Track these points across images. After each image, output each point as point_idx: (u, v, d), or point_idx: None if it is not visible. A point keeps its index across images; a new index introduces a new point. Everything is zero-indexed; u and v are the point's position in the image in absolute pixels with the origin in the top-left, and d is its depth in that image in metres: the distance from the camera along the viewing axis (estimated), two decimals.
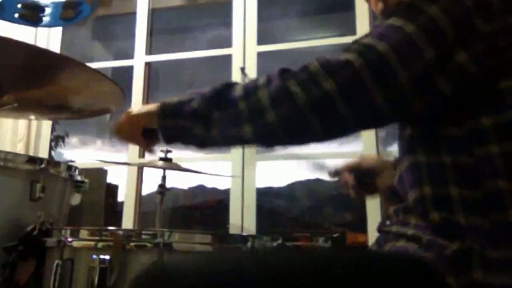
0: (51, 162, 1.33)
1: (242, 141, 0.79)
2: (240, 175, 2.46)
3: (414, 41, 0.67)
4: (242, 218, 2.43)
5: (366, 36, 0.71)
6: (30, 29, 2.76)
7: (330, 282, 0.64)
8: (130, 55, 2.98)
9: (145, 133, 0.92)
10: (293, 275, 0.64)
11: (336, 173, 1.21)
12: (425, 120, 0.73)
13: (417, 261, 0.69)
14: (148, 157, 2.74)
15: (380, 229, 0.86)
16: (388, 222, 0.84)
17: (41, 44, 2.81)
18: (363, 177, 1.17)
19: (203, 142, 0.81)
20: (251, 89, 0.74)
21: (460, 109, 0.70)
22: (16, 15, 1.58)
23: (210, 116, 0.77)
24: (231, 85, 0.78)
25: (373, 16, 2.50)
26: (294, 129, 0.72)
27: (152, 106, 0.88)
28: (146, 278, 0.68)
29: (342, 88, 0.66)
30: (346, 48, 0.70)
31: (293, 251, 0.72)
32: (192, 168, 1.68)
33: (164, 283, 0.64)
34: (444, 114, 0.71)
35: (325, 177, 1.26)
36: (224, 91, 0.78)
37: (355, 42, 0.71)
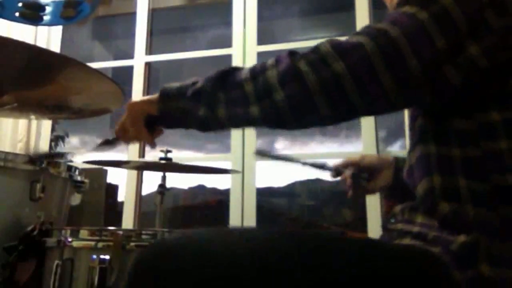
0: (51, 162, 1.33)
1: (248, 122, 0.76)
2: (240, 173, 2.46)
3: (426, 28, 0.67)
4: (242, 218, 2.43)
5: (380, 22, 0.70)
6: (30, 29, 2.77)
7: (335, 269, 0.64)
8: (130, 55, 2.98)
9: (148, 124, 0.91)
10: (298, 261, 0.63)
11: (337, 171, 1.21)
12: (436, 112, 0.74)
13: (424, 253, 0.69)
14: (148, 157, 2.75)
15: (384, 227, 0.86)
16: (393, 220, 0.84)
17: (41, 43, 2.81)
18: (360, 176, 1.17)
19: (207, 124, 0.79)
20: (258, 70, 0.74)
21: (470, 103, 0.71)
22: (17, 14, 1.57)
23: (215, 96, 0.76)
24: (236, 68, 0.78)
25: (373, 16, 2.50)
26: (302, 109, 0.71)
27: (153, 95, 0.87)
28: (149, 257, 0.67)
29: (352, 70, 0.66)
30: (358, 31, 0.70)
31: (299, 236, 0.71)
32: (191, 168, 1.68)
33: (166, 262, 0.63)
34: (454, 107, 0.71)
35: (326, 177, 1.26)
36: (230, 73, 0.77)
37: (367, 26, 0.71)
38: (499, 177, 0.68)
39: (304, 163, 1.24)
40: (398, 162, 1.12)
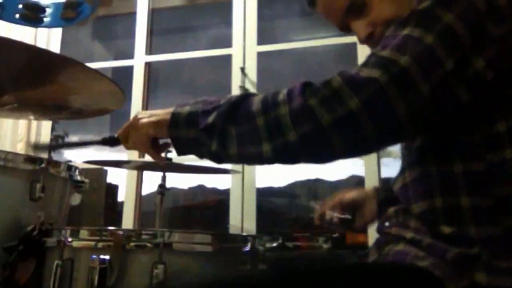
0: (51, 162, 1.33)
1: (260, 159, 0.73)
2: (240, 172, 2.46)
3: (435, 52, 0.66)
4: (242, 218, 2.43)
5: (383, 48, 0.69)
6: (30, 29, 2.77)
7: None
8: (130, 55, 2.98)
9: (154, 141, 0.89)
10: None
11: (322, 216, 1.18)
12: (438, 129, 0.72)
13: (415, 270, 0.69)
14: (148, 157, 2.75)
15: (379, 230, 0.86)
16: (387, 223, 0.84)
17: (41, 44, 2.81)
18: (345, 213, 1.14)
19: (219, 158, 0.78)
20: (270, 104, 0.71)
21: (474, 116, 0.70)
22: (17, 15, 1.57)
23: (227, 133, 0.73)
24: (247, 97, 0.75)
25: None
26: (316, 149, 0.69)
27: (161, 115, 0.83)
28: None
29: (367, 106, 0.64)
30: (365, 62, 0.69)
31: (290, 267, 0.71)
32: (191, 168, 1.68)
33: None
34: (458, 122, 0.70)
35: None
36: (241, 104, 0.74)
37: (373, 55, 0.69)
38: (503, 189, 0.67)
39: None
40: (379, 194, 1.11)
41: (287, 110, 0.69)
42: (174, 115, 0.81)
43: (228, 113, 0.74)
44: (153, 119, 0.85)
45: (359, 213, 1.14)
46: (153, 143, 0.89)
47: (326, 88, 0.67)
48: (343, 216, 1.14)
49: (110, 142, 0.97)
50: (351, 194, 1.17)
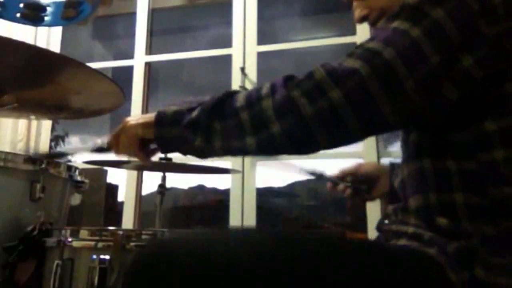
0: (51, 162, 1.33)
1: (244, 152, 0.76)
2: (240, 173, 2.46)
3: (420, 46, 0.65)
4: (242, 218, 2.43)
5: (371, 39, 0.69)
6: (30, 29, 2.77)
7: (332, 271, 0.64)
8: (130, 55, 2.98)
9: (143, 144, 0.90)
10: (295, 262, 0.64)
11: (334, 183, 1.19)
12: (431, 126, 0.72)
13: (420, 254, 0.69)
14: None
15: (379, 228, 0.86)
16: (386, 221, 0.84)
17: (41, 44, 2.81)
18: (359, 184, 1.15)
19: (203, 153, 0.79)
20: (254, 98, 0.72)
21: (465, 114, 0.70)
22: (18, 14, 1.57)
23: (211, 127, 0.74)
24: (232, 94, 0.76)
25: None
26: (300, 140, 0.70)
27: (149, 116, 0.85)
28: (146, 257, 0.67)
29: (349, 97, 0.64)
30: (351, 53, 0.69)
31: (295, 238, 0.71)
32: (191, 168, 1.68)
33: (162, 262, 0.63)
34: (449, 119, 0.70)
35: (323, 180, 1.25)
36: (225, 100, 0.75)
37: (360, 46, 0.69)
38: (496, 190, 0.67)
39: (302, 170, 1.21)
40: (393, 168, 1.11)
41: (270, 103, 0.69)
42: (159, 114, 0.82)
43: (213, 108, 0.75)
44: (141, 120, 0.87)
45: (373, 187, 1.15)
46: (142, 146, 0.90)
47: (309, 80, 0.68)
48: (359, 184, 1.16)
49: (100, 150, 1.00)
50: (366, 167, 1.18)
